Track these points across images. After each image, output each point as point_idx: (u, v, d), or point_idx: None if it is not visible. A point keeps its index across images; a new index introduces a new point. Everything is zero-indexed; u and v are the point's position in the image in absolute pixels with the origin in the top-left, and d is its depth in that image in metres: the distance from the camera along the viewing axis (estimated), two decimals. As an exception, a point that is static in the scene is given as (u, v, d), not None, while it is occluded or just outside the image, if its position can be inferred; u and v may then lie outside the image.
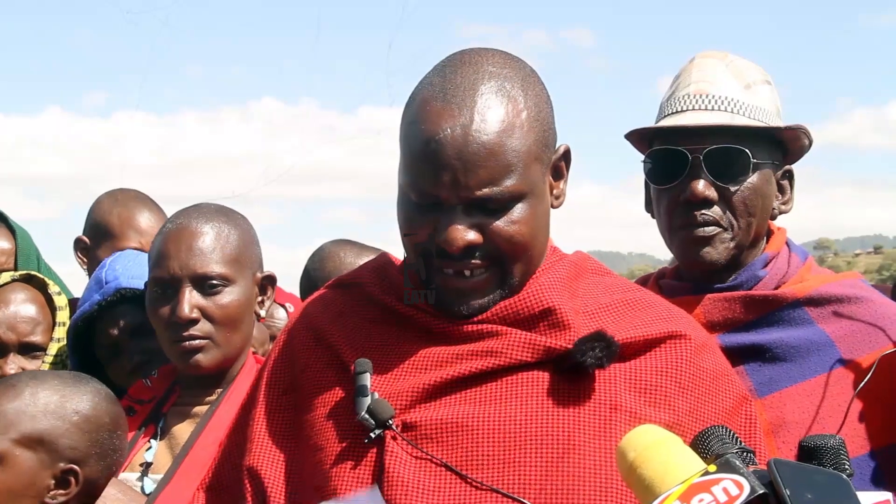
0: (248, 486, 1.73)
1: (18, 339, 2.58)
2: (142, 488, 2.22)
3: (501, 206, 1.60)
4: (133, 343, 2.55)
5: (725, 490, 1.15)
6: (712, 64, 2.08)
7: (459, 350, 1.65)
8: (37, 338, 2.61)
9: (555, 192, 1.71)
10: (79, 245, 3.31)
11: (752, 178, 2.02)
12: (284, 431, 1.75)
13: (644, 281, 2.21)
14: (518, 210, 1.61)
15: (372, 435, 1.60)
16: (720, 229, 2.02)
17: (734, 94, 2.03)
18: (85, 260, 3.30)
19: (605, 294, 1.73)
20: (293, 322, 1.85)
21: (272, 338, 3.14)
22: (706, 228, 2.02)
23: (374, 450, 1.61)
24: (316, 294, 1.89)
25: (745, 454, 1.24)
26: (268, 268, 2.41)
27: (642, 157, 2.12)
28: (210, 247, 2.26)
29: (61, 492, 1.90)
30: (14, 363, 2.56)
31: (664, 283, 2.15)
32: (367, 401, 1.62)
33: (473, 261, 1.62)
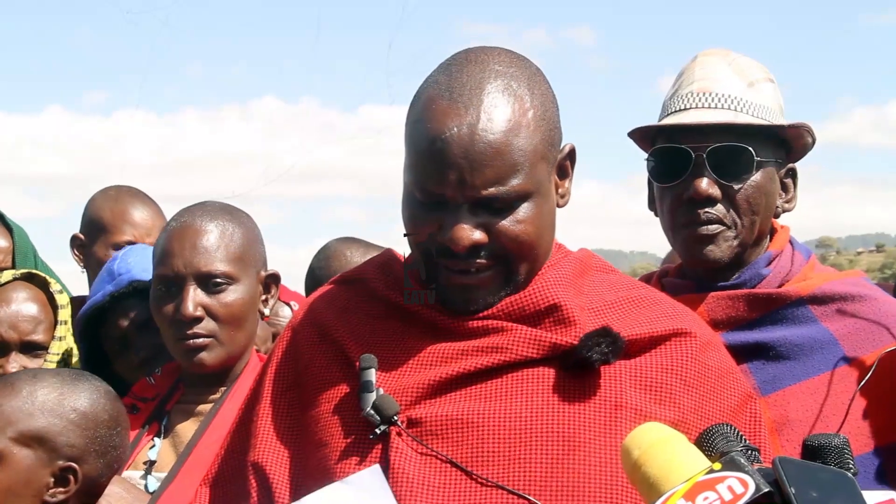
0: (252, 481, 1.73)
1: (20, 337, 2.58)
2: (145, 486, 2.22)
3: (507, 205, 1.60)
4: (141, 337, 2.55)
5: (730, 488, 1.15)
6: (715, 62, 2.08)
7: (465, 346, 1.65)
8: (38, 336, 2.60)
9: (560, 190, 1.71)
10: (75, 242, 3.32)
11: (756, 177, 2.02)
12: (289, 427, 1.75)
13: (647, 279, 2.21)
14: (524, 209, 1.61)
15: (377, 431, 1.61)
16: (723, 227, 2.02)
17: (737, 92, 2.03)
18: (81, 257, 3.31)
19: (611, 291, 1.74)
20: (298, 318, 1.85)
21: (275, 336, 3.14)
22: (709, 227, 2.02)
23: (379, 446, 1.61)
24: (320, 290, 1.89)
25: (749, 452, 1.24)
26: (269, 267, 2.41)
27: (645, 155, 2.13)
28: (214, 245, 2.26)
29: (60, 490, 1.90)
30: (16, 362, 2.56)
31: (667, 282, 2.15)
32: (372, 397, 1.62)
33: (479, 260, 1.62)
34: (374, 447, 1.62)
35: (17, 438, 1.89)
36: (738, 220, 2.03)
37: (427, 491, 1.57)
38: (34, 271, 2.69)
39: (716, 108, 2.02)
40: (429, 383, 1.63)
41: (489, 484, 1.56)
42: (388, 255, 1.85)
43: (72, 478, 1.90)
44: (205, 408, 2.30)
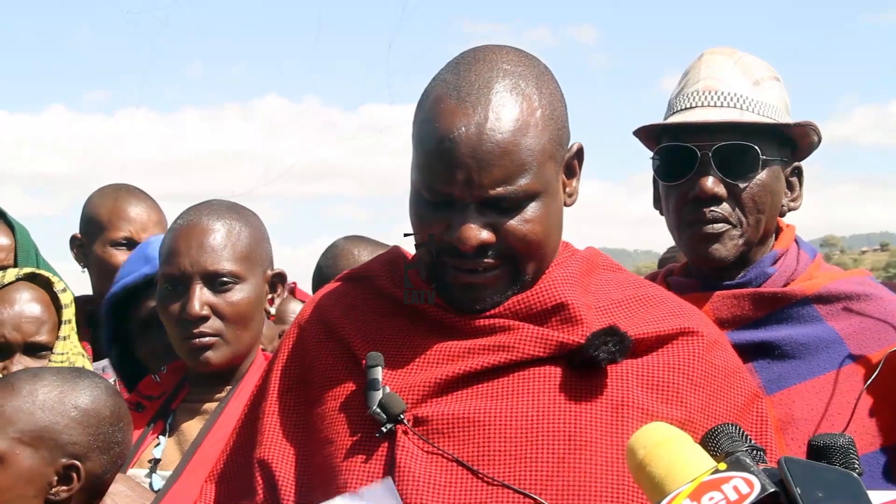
0: (258, 478, 1.73)
1: (24, 339, 2.57)
2: (150, 485, 2.22)
3: (515, 204, 1.60)
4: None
5: (736, 488, 1.15)
6: (721, 60, 2.08)
7: (471, 344, 1.65)
8: (42, 337, 2.59)
9: (567, 190, 1.71)
10: (74, 242, 3.33)
11: (761, 175, 2.02)
12: (295, 424, 1.75)
13: (652, 278, 2.21)
14: (532, 209, 1.61)
15: (383, 429, 1.60)
16: (729, 226, 2.02)
17: (743, 90, 2.03)
18: (81, 257, 3.32)
19: (617, 290, 1.73)
20: (304, 315, 1.85)
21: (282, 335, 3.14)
22: (715, 225, 2.02)
23: (386, 444, 1.61)
24: (327, 287, 1.89)
25: (755, 452, 1.24)
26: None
27: (650, 153, 2.12)
28: (221, 244, 2.26)
29: (64, 488, 1.90)
30: (20, 364, 2.54)
31: (672, 281, 2.15)
32: (379, 395, 1.62)
33: (486, 259, 1.62)
34: (380, 445, 1.62)
35: (19, 438, 1.89)
36: (743, 219, 2.03)
37: (433, 489, 1.56)
38: (37, 271, 2.68)
39: (721, 106, 2.02)
40: (435, 382, 1.63)
41: (495, 483, 1.56)
42: (395, 253, 1.85)
43: (75, 475, 1.90)
44: (210, 406, 2.30)
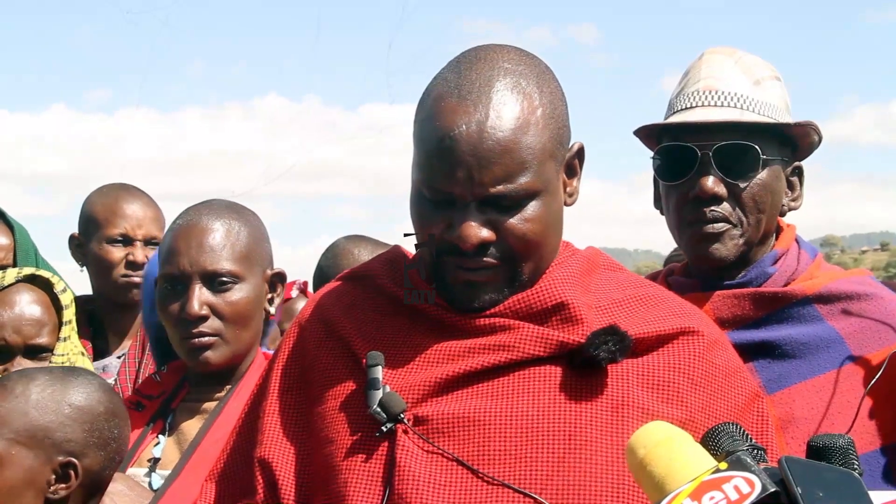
0: (258, 477, 1.73)
1: (24, 341, 2.56)
2: (149, 484, 2.22)
3: (515, 203, 1.60)
4: None
5: (737, 488, 1.14)
6: (721, 60, 2.08)
7: (472, 344, 1.65)
8: (43, 339, 2.58)
9: (568, 189, 1.70)
10: (73, 242, 3.34)
11: (762, 175, 2.02)
12: (295, 423, 1.75)
13: (653, 278, 2.21)
14: (532, 208, 1.61)
15: (383, 428, 1.60)
16: (729, 226, 2.02)
17: (743, 90, 2.03)
18: (80, 256, 3.32)
19: (618, 289, 1.73)
20: (305, 314, 1.85)
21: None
22: (715, 225, 2.02)
23: (386, 443, 1.61)
24: (328, 286, 1.89)
25: (755, 451, 1.24)
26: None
27: (651, 153, 2.12)
28: (220, 244, 2.26)
29: (62, 486, 1.90)
30: (20, 366, 2.53)
31: (673, 280, 2.15)
32: (379, 394, 1.62)
33: (486, 258, 1.62)
34: (381, 444, 1.62)
35: (15, 438, 1.89)
36: (743, 219, 2.03)
37: (433, 489, 1.56)
38: (37, 272, 2.67)
39: (722, 106, 2.02)
40: (435, 381, 1.63)
41: (495, 482, 1.56)
42: (395, 252, 1.85)
43: (72, 473, 1.90)
44: (210, 406, 2.30)
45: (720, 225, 2.02)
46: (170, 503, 2.14)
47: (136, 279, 3.22)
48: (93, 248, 3.26)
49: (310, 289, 3.71)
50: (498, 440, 1.58)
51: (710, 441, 1.25)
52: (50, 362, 2.58)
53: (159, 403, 2.35)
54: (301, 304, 3.39)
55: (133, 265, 3.22)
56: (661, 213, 2.15)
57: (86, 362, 2.71)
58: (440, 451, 1.59)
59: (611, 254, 1.88)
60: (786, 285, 2.07)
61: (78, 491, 1.92)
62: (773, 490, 1.13)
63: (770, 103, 2.04)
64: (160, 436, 2.29)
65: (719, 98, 2.03)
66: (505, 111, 1.58)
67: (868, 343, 2.00)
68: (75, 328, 2.68)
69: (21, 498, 1.87)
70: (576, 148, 1.70)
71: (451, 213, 1.60)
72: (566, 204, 1.71)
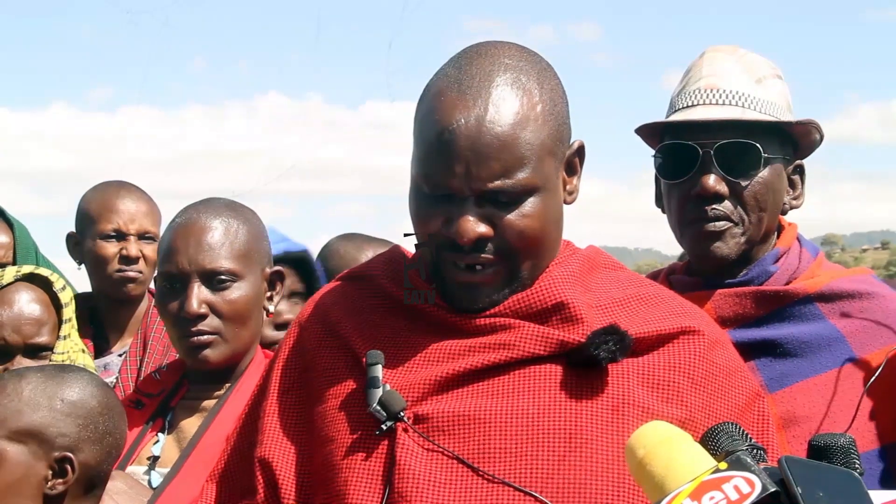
0: (259, 476, 1.73)
1: (24, 340, 2.55)
2: (149, 482, 2.22)
3: (513, 199, 1.59)
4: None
5: (737, 488, 1.14)
6: (723, 58, 2.08)
7: (472, 343, 1.64)
8: (42, 338, 2.58)
9: (568, 187, 1.70)
10: (70, 240, 3.34)
11: (763, 173, 2.02)
12: (295, 423, 1.75)
13: (654, 276, 2.21)
14: (530, 204, 1.61)
15: (383, 427, 1.60)
16: (731, 224, 2.02)
17: (745, 88, 2.03)
18: (77, 254, 3.32)
19: (618, 289, 1.73)
20: (305, 314, 1.85)
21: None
22: (717, 223, 2.02)
23: (386, 442, 1.61)
24: (328, 286, 1.89)
25: (755, 451, 1.23)
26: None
27: (652, 151, 2.12)
28: (219, 242, 2.26)
29: (59, 481, 1.90)
30: (21, 366, 2.53)
31: (674, 279, 2.15)
32: (379, 392, 1.61)
33: (483, 254, 1.62)
34: (381, 443, 1.62)
35: (9, 436, 1.89)
36: (745, 217, 2.03)
37: (433, 487, 1.56)
38: (35, 271, 2.66)
39: (723, 104, 2.02)
40: (435, 380, 1.63)
41: (495, 480, 1.55)
42: (395, 252, 1.85)
43: (69, 468, 1.90)
44: (209, 404, 2.30)
45: (721, 223, 2.02)
46: (169, 501, 2.14)
47: (131, 274, 3.22)
48: (88, 245, 3.26)
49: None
50: (498, 438, 1.58)
51: (710, 441, 1.25)
52: (50, 361, 2.57)
53: (159, 401, 2.35)
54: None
55: (127, 260, 3.21)
56: (663, 212, 2.14)
57: (87, 359, 2.70)
58: (440, 450, 1.59)
59: (612, 252, 1.88)
60: (787, 284, 2.06)
61: (76, 486, 1.92)
62: (773, 490, 1.13)
63: (772, 102, 2.04)
64: (160, 434, 2.29)
65: (721, 96, 2.03)
66: (504, 106, 1.57)
67: (870, 342, 2.00)
68: (75, 326, 2.68)
69: (19, 496, 1.87)
70: (576, 146, 1.70)
71: (449, 207, 1.60)
72: (566, 202, 1.70)
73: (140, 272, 3.23)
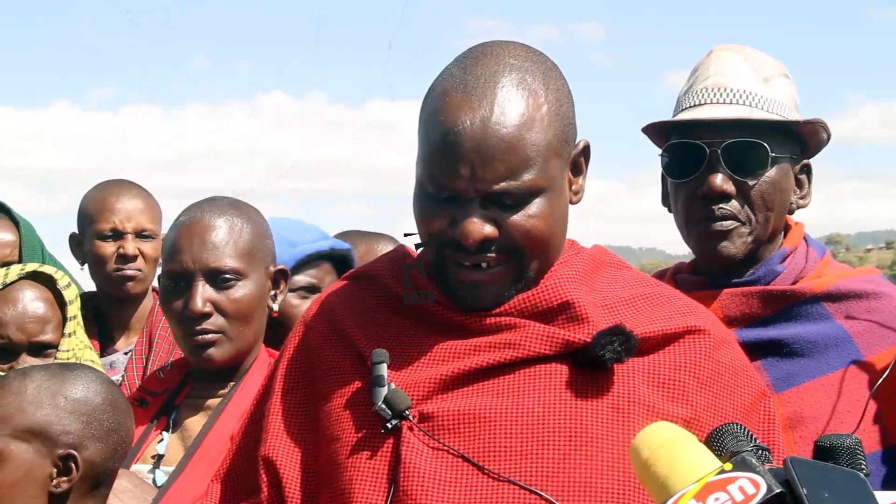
0: (263, 476, 1.73)
1: (28, 339, 2.55)
2: (153, 480, 2.22)
3: (519, 200, 1.59)
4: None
5: (741, 489, 1.14)
6: (730, 57, 2.08)
7: (477, 342, 1.64)
8: (47, 336, 2.57)
9: (574, 188, 1.69)
10: (73, 240, 3.34)
11: (771, 173, 2.02)
12: (300, 422, 1.75)
13: (661, 276, 2.21)
14: (535, 205, 1.60)
15: (388, 425, 1.60)
16: (738, 223, 2.02)
17: (752, 87, 2.02)
18: (79, 254, 3.33)
19: (624, 288, 1.72)
20: (310, 313, 1.85)
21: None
22: (724, 223, 2.01)
23: (391, 440, 1.61)
24: (333, 286, 1.89)
25: (760, 452, 1.23)
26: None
27: (659, 150, 2.12)
28: (223, 241, 2.26)
29: (64, 479, 1.90)
30: (25, 364, 2.53)
31: (681, 278, 2.14)
32: (384, 391, 1.61)
33: (489, 255, 1.61)
34: (386, 442, 1.62)
35: (13, 434, 1.89)
36: (752, 217, 2.02)
37: (438, 485, 1.56)
38: (39, 269, 2.66)
39: (730, 103, 2.01)
40: (440, 378, 1.62)
41: (500, 479, 1.55)
42: (400, 251, 1.84)
43: (73, 465, 1.90)
44: (213, 403, 2.30)
45: (728, 223, 2.01)
46: (173, 499, 2.14)
47: (129, 272, 3.22)
48: (87, 244, 3.26)
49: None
50: (503, 437, 1.58)
51: (715, 442, 1.24)
52: (55, 359, 2.57)
53: (163, 400, 2.35)
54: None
55: (124, 258, 3.21)
56: (669, 211, 2.14)
57: (93, 355, 2.70)
58: (445, 448, 1.59)
59: (615, 251, 1.87)
60: (794, 283, 2.06)
61: (81, 484, 1.92)
62: (778, 491, 1.13)
63: (779, 101, 2.04)
64: (164, 432, 2.29)
65: (728, 95, 2.02)
66: (509, 107, 1.57)
67: (877, 342, 1.99)
68: (81, 323, 2.68)
69: (23, 494, 1.87)
70: (582, 146, 1.69)
71: (454, 209, 1.60)
72: (572, 202, 1.70)
73: (139, 270, 3.23)
